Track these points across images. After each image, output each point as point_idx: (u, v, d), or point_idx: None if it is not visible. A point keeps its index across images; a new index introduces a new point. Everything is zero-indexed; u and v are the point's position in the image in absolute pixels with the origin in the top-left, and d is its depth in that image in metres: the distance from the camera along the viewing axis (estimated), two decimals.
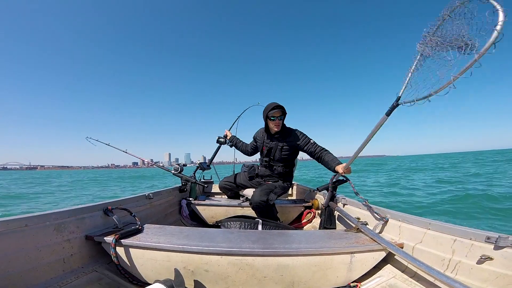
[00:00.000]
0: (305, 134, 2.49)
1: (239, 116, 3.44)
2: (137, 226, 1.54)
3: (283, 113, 2.41)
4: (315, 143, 2.39)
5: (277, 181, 2.55)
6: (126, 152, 3.20)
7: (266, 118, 2.42)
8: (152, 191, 2.31)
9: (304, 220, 2.61)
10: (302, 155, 2.64)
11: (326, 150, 2.32)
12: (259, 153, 2.75)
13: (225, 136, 3.05)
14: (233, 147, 3.05)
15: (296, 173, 2.86)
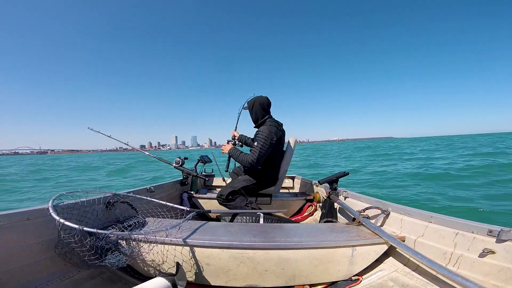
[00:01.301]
0: (262, 132, 2.20)
1: (239, 113, 3.40)
2: (139, 220, 1.54)
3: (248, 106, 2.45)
4: (257, 145, 2.18)
5: (245, 175, 2.45)
6: (127, 144, 3.19)
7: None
8: (153, 185, 2.31)
9: (305, 213, 2.61)
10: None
11: (248, 154, 2.24)
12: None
13: (234, 137, 2.89)
14: (243, 146, 2.96)
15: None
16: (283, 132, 2.42)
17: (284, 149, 2.53)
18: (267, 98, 2.43)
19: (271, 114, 2.45)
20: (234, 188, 2.31)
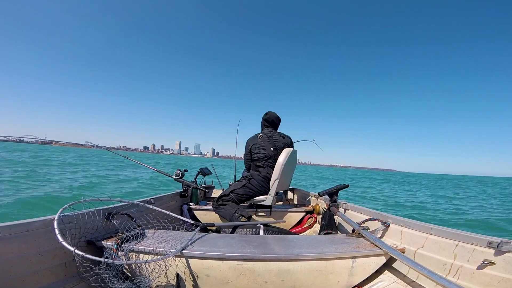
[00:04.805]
0: (247, 143, 2.64)
1: (236, 140, 3.56)
2: (139, 231, 1.54)
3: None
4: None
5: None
6: (127, 158, 3.20)
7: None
8: (153, 196, 2.31)
9: (305, 225, 2.60)
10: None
11: None
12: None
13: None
14: None
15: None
16: (275, 138, 2.59)
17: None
18: (267, 113, 2.69)
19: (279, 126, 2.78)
20: (224, 193, 2.49)
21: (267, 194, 2.48)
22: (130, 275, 1.36)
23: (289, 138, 2.71)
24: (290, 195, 3.46)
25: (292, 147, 2.68)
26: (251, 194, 2.49)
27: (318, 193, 2.39)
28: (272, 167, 2.47)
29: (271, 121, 2.67)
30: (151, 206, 1.83)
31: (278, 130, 2.75)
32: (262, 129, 2.73)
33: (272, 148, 2.51)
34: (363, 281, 1.38)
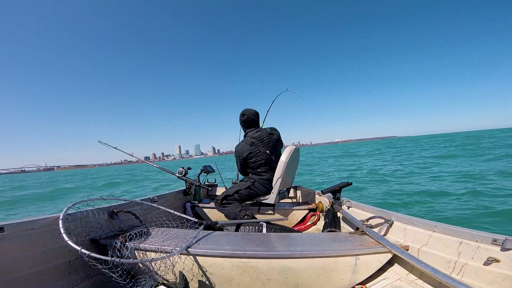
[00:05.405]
0: (237, 152, 2.53)
1: (270, 107, 3.46)
2: (142, 229, 1.56)
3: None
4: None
5: (240, 182, 2.65)
6: (132, 155, 3.24)
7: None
8: (156, 194, 2.33)
9: (308, 223, 2.59)
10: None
11: None
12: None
13: None
14: None
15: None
16: (265, 138, 2.47)
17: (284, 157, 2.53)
18: (244, 114, 2.56)
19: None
20: (228, 193, 2.44)
21: (270, 193, 2.49)
22: (135, 273, 1.37)
23: (277, 131, 2.62)
24: (292, 193, 3.46)
25: (281, 139, 2.62)
26: (255, 195, 2.50)
27: (321, 191, 2.38)
28: (273, 168, 2.45)
29: (251, 120, 2.56)
30: (154, 205, 1.85)
31: (260, 125, 2.65)
32: (245, 132, 2.60)
33: (268, 151, 2.45)
34: (367, 278, 1.38)
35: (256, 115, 2.59)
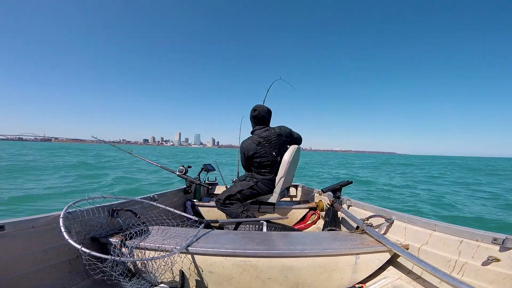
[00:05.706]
0: (243, 149, 2.50)
1: (266, 95, 3.44)
2: (142, 228, 1.56)
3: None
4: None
5: (242, 181, 2.58)
6: (131, 154, 3.22)
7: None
8: (156, 193, 2.33)
9: (309, 222, 2.60)
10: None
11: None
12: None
13: None
14: None
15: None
16: (273, 139, 2.40)
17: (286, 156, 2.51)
18: (255, 109, 2.50)
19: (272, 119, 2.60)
20: (231, 192, 2.40)
21: (272, 193, 2.48)
22: (135, 272, 1.38)
23: (287, 129, 2.53)
24: (293, 191, 3.46)
25: (292, 134, 2.56)
26: (257, 195, 2.48)
27: (322, 190, 2.38)
28: (277, 169, 2.43)
29: (261, 117, 2.48)
30: (154, 203, 1.85)
31: (270, 124, 2.57)
32: (253, 127, 2.53)
33: (274, 153, 2.40)
34: (367, 277, 1.38)
35: (268, 113, 2.51)
